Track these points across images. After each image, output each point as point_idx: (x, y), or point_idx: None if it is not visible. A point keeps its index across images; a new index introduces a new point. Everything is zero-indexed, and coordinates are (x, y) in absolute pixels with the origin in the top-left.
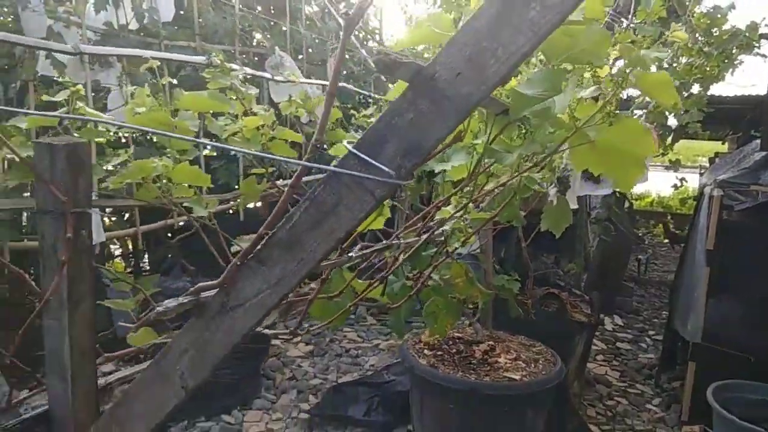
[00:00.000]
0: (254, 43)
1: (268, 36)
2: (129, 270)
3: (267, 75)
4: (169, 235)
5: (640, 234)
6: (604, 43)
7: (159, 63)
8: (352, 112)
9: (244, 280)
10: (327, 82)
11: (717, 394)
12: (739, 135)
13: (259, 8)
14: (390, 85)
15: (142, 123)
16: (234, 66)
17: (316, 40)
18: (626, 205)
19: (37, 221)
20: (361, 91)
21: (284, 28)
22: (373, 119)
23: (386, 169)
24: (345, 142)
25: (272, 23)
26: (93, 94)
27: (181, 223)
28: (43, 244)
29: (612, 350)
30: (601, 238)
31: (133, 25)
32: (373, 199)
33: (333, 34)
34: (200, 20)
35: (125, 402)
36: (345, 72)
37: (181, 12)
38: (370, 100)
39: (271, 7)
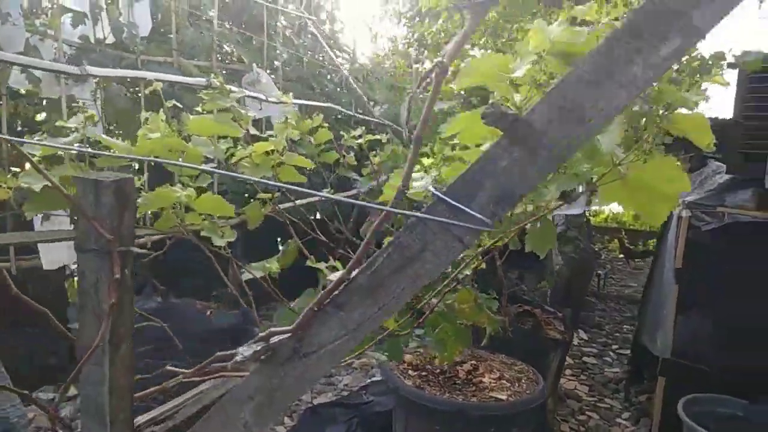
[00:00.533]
0: (231, 59)
1: (245, 51)
2: None
3: (261, 96)
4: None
5: (596, 249)
6: None
7: (161, 84)
8: (341, 133)
9: (319, 326)
10: (313, 103)
11: (687, 408)
12: (691, 156)
13: (233, 26)
14: (377, 107)
15: (155, 149)
16: (233, 88)
17: (293, 57)
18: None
19: (78, 259)
20: (344, 110)
21: (260, 43)
22: (361, 140)
23: (481, 216)
24: (431, 188)
25: (248, 38)
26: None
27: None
28: (82, 283)
29: (579, 365)
30: (570, 255)
31: (110, 39)
32: (461, 246)
33: (309, 50)
34: (176, 35)
35: None
36: (318, 90)
37: (154, 26)
38: (340, 117)
39: (243, 24)
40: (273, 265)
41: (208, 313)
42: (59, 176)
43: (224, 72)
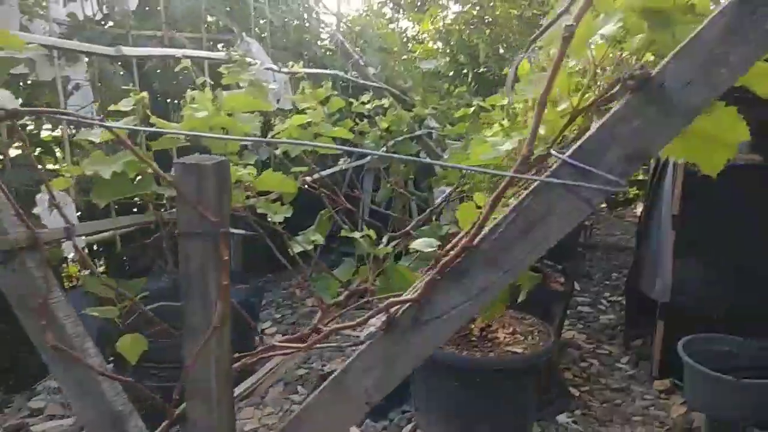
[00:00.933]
0: (218, 30)
1: (233, 21)
2: (102, 271)
3: (274, 66)
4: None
5: None
6: None
7: (188, 62)
8: (351, 99)
9: (439, 293)
10: (317, 71)
11: (686, 347)
12: None
13: None
14: (372, 69)
15: (198, 127)
16: (250, 60)
17: (282, 24)
18: None
19: (181, 245)
20: (352, 78)
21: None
22: (368, 106)
23: (611, 177)
24: (553, 151)
25: (235, 7)
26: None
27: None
28: (187, 268)
29: (575, 314)
30: None
31: (98, 16)
32: (589, 207)
33: (295, 17)
34: (164, 8)
35: (302, 424)
36: (307, 55)
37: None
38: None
39: None
40: (317, 236)
41: None
42: (123, 161)
43: (212, 43)
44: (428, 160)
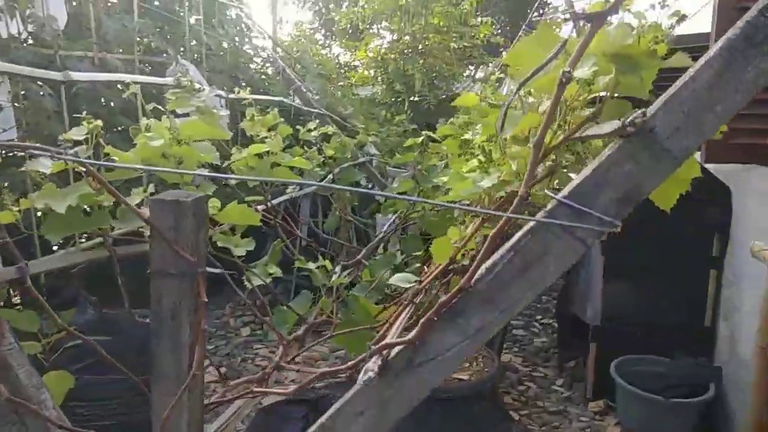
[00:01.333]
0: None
1: (166, 43)
2: (17, 305)
3: (222, 92)
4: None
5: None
6: None
7: (137, 88)
8: (297, 126)
9: (436, 334)
10: (264, 97)
11: (618, 368)
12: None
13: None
14: (311, 95)
15: (155, 155)
16: (199, 85)
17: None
18: None
19: (153, 286)
20: (298, 106)
21: (183, 37)
22: (314, 133)
23: (606, 218)
24: (547, 192)
25: (170, 28)
26: None
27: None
28: (159, 310)
29: (510, 337)
30: None
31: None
32: (584, 247)
33: (231, 40)
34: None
35: None
36: (243, 79)
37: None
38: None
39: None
40: (274, 269)
41: (148, 320)
42: (79, 194)
43: (145, 65)
44: (415, 198)
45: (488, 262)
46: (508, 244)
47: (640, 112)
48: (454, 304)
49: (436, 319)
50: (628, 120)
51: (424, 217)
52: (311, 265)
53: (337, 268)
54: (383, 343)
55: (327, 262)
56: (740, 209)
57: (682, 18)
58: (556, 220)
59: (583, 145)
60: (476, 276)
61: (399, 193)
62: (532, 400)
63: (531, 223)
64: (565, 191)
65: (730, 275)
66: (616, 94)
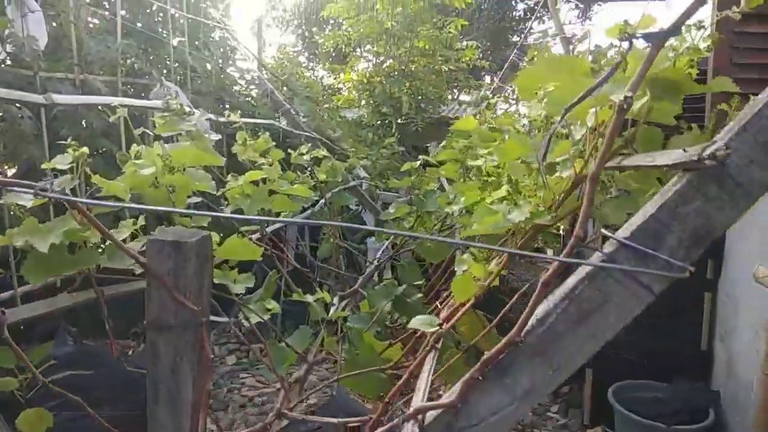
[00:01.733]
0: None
1: (150, 64)
2: None
3: (212, 116)
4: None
5: None
6: None
7: (125, 111)
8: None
9: (479, 395)
10: (254, 120)
11: (616, 394)
12: None
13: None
14: (301, 118)
15: (145, 184)
16: (188, 109)
17: (202, 69)
18: None
19: (149, 337)
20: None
21: (167, 58)
22: (306, 157)
23: (675, 261)
24: (606, 231)
25: (154, 50)
26: None
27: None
28: (156, 367)
29: None
30: None
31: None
32: (650, 295)
33: (216, 62)
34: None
35: None
36: (229, 101)
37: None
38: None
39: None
40: (273, 304)
41: (130, 352)
42: (63, 231)
43: (128, 87)
44: (433, 236)
45: (538, 312)
46: (559, 291)
47: (721, 143)
48: (500, 360)
49: (480, 378)
50: (708, 152)
51: (422, 243)
52: (309, 298)
53: (335, 300)
54: (420, 406)
55: (326, 294)
56: (733, 231)
57: (716, 42)
58: (617, 265)
59: (607, 174)
60: (526, 328)
61: (395, 219)
62: (529, 428)
63: (587, 268)
64: (626, 231)
65: (724, 296)
66: (647, 120)
